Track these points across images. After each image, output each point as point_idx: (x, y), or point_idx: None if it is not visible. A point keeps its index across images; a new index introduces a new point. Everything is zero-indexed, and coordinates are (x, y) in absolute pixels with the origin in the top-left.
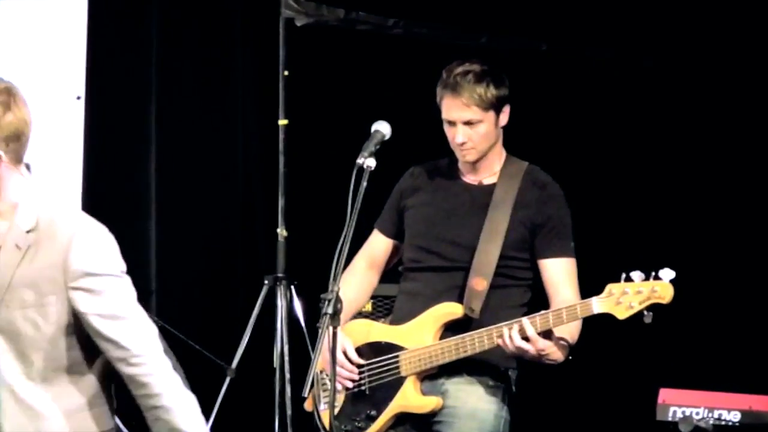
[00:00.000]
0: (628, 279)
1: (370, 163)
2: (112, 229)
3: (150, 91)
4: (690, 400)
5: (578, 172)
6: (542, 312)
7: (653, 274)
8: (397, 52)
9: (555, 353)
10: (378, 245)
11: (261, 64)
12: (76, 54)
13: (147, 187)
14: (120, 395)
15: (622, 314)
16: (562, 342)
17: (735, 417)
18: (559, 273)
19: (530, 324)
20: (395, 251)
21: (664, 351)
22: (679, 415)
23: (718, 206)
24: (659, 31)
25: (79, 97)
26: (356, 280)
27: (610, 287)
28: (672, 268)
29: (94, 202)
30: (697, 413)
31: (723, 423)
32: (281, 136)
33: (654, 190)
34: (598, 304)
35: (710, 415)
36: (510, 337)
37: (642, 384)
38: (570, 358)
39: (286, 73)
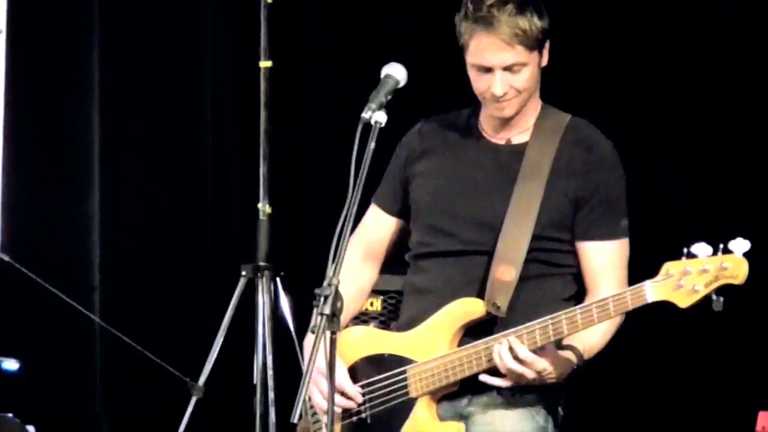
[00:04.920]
0: (691, 255)
1: (380, 118)
2: (42, 206)
3: (92, 25)
4: None
5: (628, 122)
6: (557, 315)
7: (722, 246)
8: None
9: (552, 373)
10: (377, 226)
11: None
12: None
13: (88, 150)
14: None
15: (683, 301)
16: (568, 354)
17: None
18: (603, 261)
19: (519, 342)
20: (400, 233)
21: (763, 365)
22: None
23: None
24: None
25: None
26: (349, 274)
27: (668, 266)
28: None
29: (18, 172)
30: None
31: None
32: (263, 83)
33: (731, 145)
34: (652, 291)
35: None
36: (500, 356)
37: (736, 406)
38: (578, 366)
39: (269, 0)
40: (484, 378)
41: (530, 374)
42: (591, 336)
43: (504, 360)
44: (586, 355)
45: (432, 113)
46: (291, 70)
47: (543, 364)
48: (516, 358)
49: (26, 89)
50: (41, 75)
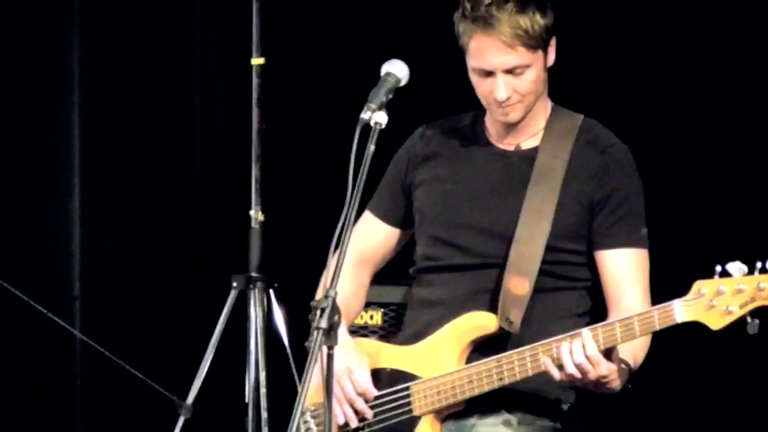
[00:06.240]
0: (725, 273)
1: (380, 118)
2: (19, 211)
3: (72, 19)
4: None
5: (649, 123)
6: (605, 322)
7: (759, 265)
8: None
9: (615, 380)
10: (371, 234)
11: None
12: None
13: (68, 150)
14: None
15: (716, 323)
16: (623, 365)
17: None
18: (623, 269)
19: (592, 337)
20: (396, 243)
21: None
22: None
23: None
24: None
25: None
26: (341, 281)
27: (699, 285)
28: None
29: None
30: None
31: None
32: (255, 81)
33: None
34: (682, 310)
35: None
36: (570, 352)
37: None
38: (629, 386)
39: None
40: (544, 360)
41: (593, 375)
42: (637, 348)
43: (574, 355)
44: (634, 364)
45: (436, 113)
46: (284, 67)
47: (609, 367)
48: (585, 354)
49: (2, 87)
50: (19, 72)
